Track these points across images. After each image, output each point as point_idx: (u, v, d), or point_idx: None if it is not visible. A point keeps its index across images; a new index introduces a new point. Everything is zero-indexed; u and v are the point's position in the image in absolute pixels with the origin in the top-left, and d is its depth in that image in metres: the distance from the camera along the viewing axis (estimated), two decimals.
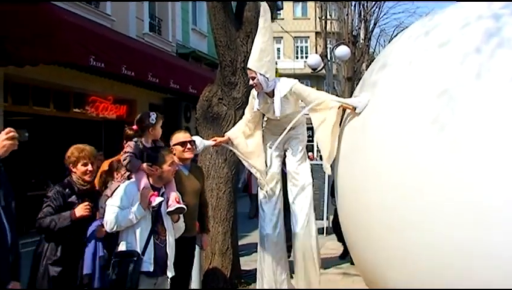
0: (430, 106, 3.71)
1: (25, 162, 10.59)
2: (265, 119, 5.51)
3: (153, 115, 4.59)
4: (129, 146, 4.44)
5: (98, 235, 4.42)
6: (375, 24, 23.35)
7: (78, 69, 9.69)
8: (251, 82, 5.12)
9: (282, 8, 27.47)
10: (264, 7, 5.02)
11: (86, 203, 4.41)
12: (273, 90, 5.11)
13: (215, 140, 5.49)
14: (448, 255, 3.51)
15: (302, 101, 5.20)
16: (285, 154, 5.53)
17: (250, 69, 5.06)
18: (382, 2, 22.65)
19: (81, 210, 4.37)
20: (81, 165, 4.53)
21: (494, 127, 3.45)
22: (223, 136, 5.54)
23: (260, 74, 4.98)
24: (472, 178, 3.44)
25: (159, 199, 4.24)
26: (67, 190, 4.47)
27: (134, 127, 4.62)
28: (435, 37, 4.08)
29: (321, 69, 18.12)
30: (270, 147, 5.46)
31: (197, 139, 5.24)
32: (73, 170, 4.54)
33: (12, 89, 9.74)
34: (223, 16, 6.39)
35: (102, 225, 4.33)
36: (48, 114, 11.07)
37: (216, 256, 6.48)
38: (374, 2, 22.51)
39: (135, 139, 4.52)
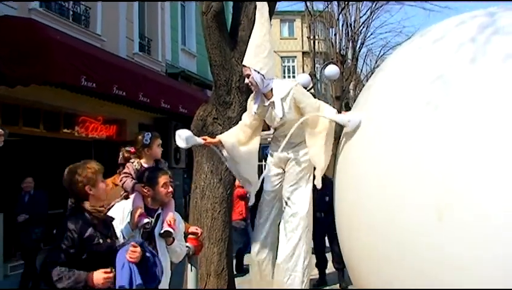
0: (425, 89, 3.75)
1: (14, 183, 10.45)
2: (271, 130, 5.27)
3: (147, 136, 4.56)
4: (127, 167, 4.43)
5: (131, 259, 3.58)
6: (362, 44, 23.55)
7: (70, 89, 9.65)
8: (246, 80, 4.88)
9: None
10: (262, 2, 4.83)
11: (106, 270, 3.43)
12: (271, 91, 4.82)
13: (205, 139, 5.18)
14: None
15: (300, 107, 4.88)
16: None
17: (244, 66, 4.80)
18: (369, 22, 22.88)
19: (101, 279, 3.39)
20: (102, 182, 3.69)
21: (487, 106, 3.47)
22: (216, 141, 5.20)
23: (255, 71, 4.71)
24: (465, 156, 3.43)
25: (145, 220, 4.19)
26: (80, 222, 3.50)
27: (132, 149, 4.61)
28: (429, 36, 4.21)
29: (310, 89, 18.16)
30: (269, 164, 5.21)
31: (184, 131, 4.90)
32: (91, 192, 3.59)
33: (2, 109, 9.66)
34: (217, 36, 6.38)
35: (134, 246, 3.62)
36: (38, 134, 10.98)
37: (211, 277, 6.38)
38: (361, 23, 22.72)
39: (132, 160, 4.51)
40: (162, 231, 4.28)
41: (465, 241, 3.38)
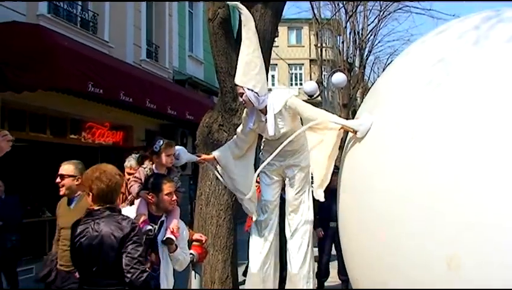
0: (427, 71, 3.76)
1: (21, 188, 10.48)
2: (263, 140, 5.13)
3: (158, 143, 4.50)
4: (138, 172, 4.43)
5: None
6: (370, 52, 23.54)
7: (76, 95, 9.66)
8: (240, 99, 4.76)
9: (277, 36, 27.63)
10: (246, 15, 4.63)
11: None
12: (266, 106, 4.65)
13: (200, 156, 5.21)
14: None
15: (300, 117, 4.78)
16: (284, 182, 5.09)
17: (237, 85, 4.65)
18: (377, 29, 22.87)
19: None
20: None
21: (489, 85, 3.45)
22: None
23: (248, 89, 4.53)
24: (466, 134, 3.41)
25: (148, 227, 4.18)
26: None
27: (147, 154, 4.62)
28: (432, 32, 4.27)
29: (317, 96, 18.15)
30: (264, 173, 5.05)
31: (180, 149, 4.95)
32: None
33: (9, 115, 9.68)
34: (223, 43, 6.38)
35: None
36: (45, 140, 11.00)
37: (216, 285, 6.36)
38: (368, 30, 22.73)
39: (144, 165, 4.50)
40: (163, 239, 4.27)
41: (471, 249, 3.34)
